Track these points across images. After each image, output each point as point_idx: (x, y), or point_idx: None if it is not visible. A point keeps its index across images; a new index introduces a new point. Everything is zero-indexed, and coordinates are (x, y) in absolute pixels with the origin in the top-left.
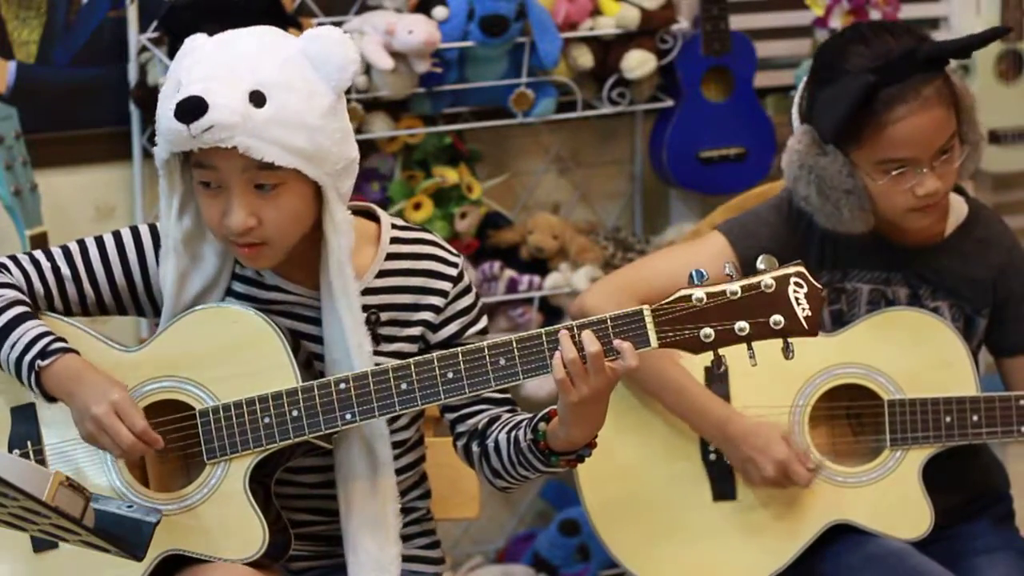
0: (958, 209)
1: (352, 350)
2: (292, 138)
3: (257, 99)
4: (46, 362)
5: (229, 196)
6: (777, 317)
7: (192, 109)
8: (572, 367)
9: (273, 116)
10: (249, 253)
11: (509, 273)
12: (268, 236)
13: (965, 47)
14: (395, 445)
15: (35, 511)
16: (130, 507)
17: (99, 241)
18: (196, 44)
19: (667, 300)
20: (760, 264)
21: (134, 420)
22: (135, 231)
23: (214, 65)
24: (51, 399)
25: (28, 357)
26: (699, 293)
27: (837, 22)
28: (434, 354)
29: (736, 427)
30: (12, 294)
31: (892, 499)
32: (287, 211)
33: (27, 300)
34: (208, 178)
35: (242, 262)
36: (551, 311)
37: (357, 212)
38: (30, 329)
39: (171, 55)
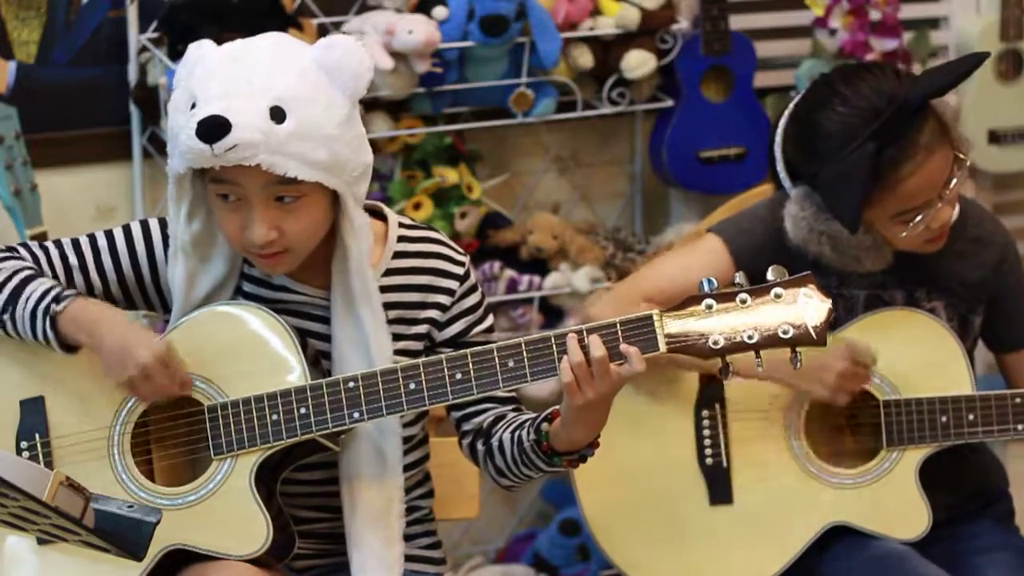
0: None
1: (372, 350)
2: (313, 152)
3: (277, 115)
4: (60, 306)
5: (249, 210)
6: (786, 326)
7: (215, 129)
8: (578, 371)
9: (294, 131)
10: (269, 262)
11: (509, 273)
12: (289, 245)
13: (948, 85)
14: (402, 441)
15: (35, 511)
16: (130, 507)
17: (108, 234)
18: (205, 54)
19: (677, 305)
20: (770, 274)
21: (177, 373)
22: (144, 224)
23: (231, 80)
24: (69, 348)
25: (43, 305)
26: (709, 300)
27: (837, 22)
28: (443, 355)
29: None
30: (20, 263)
31: (890, 500)
32: (307, 221)
33: (35, 268)
34: (227, 191)
35: (261, 269)
36: (551, 311)
37: (364, 211)
38: (41, 284)
39: (171, 55)
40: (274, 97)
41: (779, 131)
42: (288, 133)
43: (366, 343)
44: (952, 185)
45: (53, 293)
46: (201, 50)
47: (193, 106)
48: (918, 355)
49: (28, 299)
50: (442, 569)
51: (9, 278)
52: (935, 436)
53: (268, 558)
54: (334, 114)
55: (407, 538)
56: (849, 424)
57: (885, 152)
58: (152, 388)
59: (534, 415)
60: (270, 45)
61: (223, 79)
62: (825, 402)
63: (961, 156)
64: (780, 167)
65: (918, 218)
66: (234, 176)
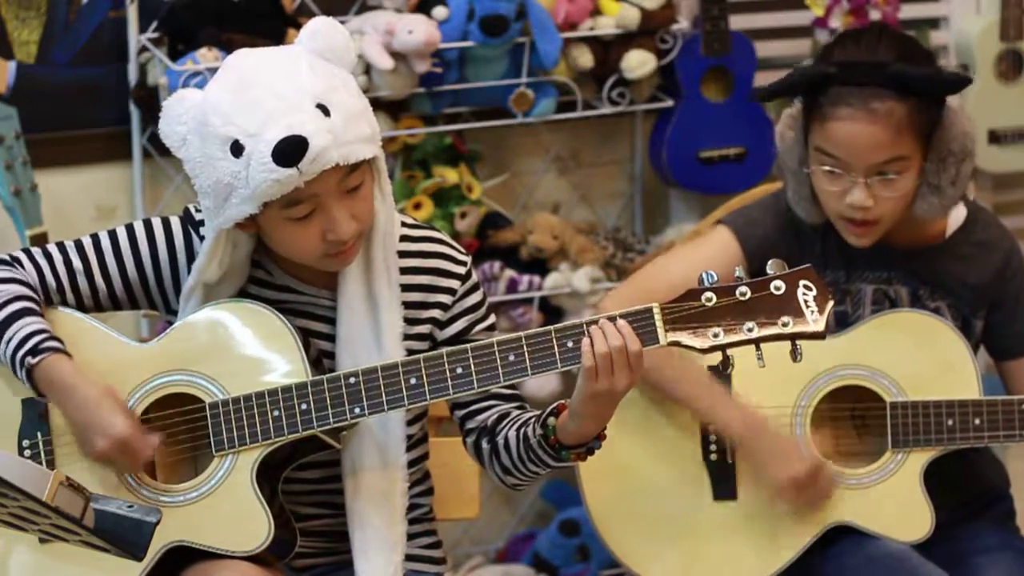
0: (957, 211)
1: (383, 318)
2: (360, 130)
3: (325, 111)
4: (36, 360)
5: (326, 214)
6: (786, 319)
7: (296, 148)
8: (602, 361)
9: (342, 119)
10: (348, 255)
11: (509, 273)
12: (363, 229)
13: (934, 84)
14: (405, 439)
15: (35, 511)
16: (130, 507)
17: (111, 234)
18: (202, 98)
19: (676, 299)
20: (769, 267)
21: (137, 455)
22: (147, 224)
23: (263, 102)
24: (44, 396)
25: (20, 353)
26: (708, 293)
27: (837, 22)
28: (443, 349)
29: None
30: (18, 289)
31: (893, 501)
32: (369, 199)
33: (33, 296)
34: (306, 210)
35: (335, 267)
36: (551, 311)
37: None
38: (27, 325)
39: (171, 55)
40: (312, 97)
41: None
42: (339, 123)
43: (376, 317)
44: (887, 178)
45: (31, 343)
46: (192, 98)
47: (237, 146)
48: (926, 357)
49: (11, 341)
50: (442, 569)
51: (1, 307)
52: (941, 439)
53: (270, 556)
54: (351, 90)
55: (407, 537)
56: (855, 424)
57: (838, 85)
58: (117, 466)
59: (538, 412)
60: (265, 59)
61: (255, 106)
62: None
63: (926, 173)
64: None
65: (832, 170)
66: (313, 188)
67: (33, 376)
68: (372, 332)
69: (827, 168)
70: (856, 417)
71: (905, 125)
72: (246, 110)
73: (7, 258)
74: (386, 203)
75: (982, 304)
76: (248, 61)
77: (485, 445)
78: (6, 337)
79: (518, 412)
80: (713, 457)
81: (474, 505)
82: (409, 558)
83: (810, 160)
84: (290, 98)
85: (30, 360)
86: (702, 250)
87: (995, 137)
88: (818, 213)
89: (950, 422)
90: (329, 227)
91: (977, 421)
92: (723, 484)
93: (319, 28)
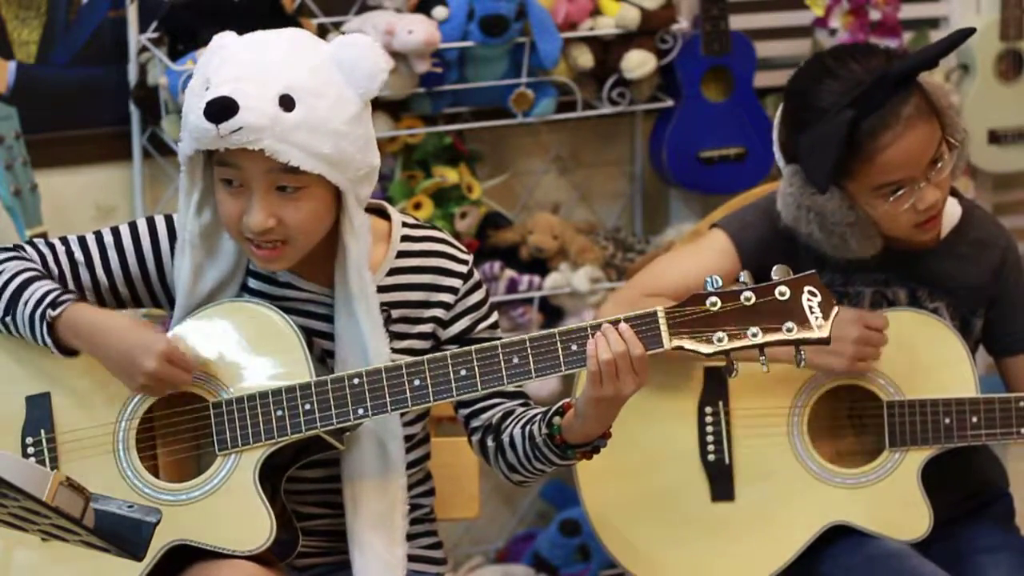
0: (952, 211)
1: (370, 352)
2: (318, 144)
3: (287, 103)
4: (56, 311)
5: (250, 196)
6: (790, 324)
7: (222, 109)
8: (606, 367)
9: (301, 121)
10: (267, 255)
11: (509, 273)
12: (288, 235)
13: (933, 58)
14: (404, 441)
15: (35, 511)
16: (131, 507)
17: (114, 231)
18: (225, 43)
19: (681, 303)
20: (774, 273)
21: (188, 363)
22: (150, 221)
23: (245, 66)
24: (68, 352)
25: (39, 310)
26: (713, 298)
27: (837, 22)
28: (447, 351)
29: None
30: (21, 264)
31: (891, 500)
32: (307, 213)
33: (39, 269)
34: (230, 176)
35: (256, 263)
36: (551, 311)
37: (368, 209)
38: (40, 287)
39: (171, 55)
40: (285, 85)
41: (778, 112)
42: (295, 122)
43: (364, 344)
44: (939, 166)
45: (50, 297)
46: (223, 39)
47: (207, 90)
48: (923, 356)
49: (27, 303)
50: (443, 569)
51: (10, 280)
52: (938, 438)
53: (271, 556)
54: (344, 110)
55: (408, 538)
56: (852, 424)
57: (864, 121)
58: (164, 388)
59: (544, 409)
60: (288, 37)
61: (237, 64)
62: (841, 376)
63: (952, 141)
64: (776, 148)
65: (899, 192)
66: (238, 160)
67: (56, 329)
68: (361, 351)
69: (895, 195)
70: (853, 417)
71: (927, 109)
72: (232, 64)
73: (10, 247)
74: (356, 237)
75: (981, 303)
76: (281, 33)
77: (491, 443)
78: (23, 300)
79: (523, 409)
80: (711, 458)
81: (474, 505)
82: (410, 558)
83: (865, 204)
84: (264, 72)
85: (51, 312)
86: (699, 255)
87: (995, 137)
88: (872, 241)
89: (947, 421)
90: (247, 210)
91: (975, 419)
92: (721, 485)
93: (354, 43)
